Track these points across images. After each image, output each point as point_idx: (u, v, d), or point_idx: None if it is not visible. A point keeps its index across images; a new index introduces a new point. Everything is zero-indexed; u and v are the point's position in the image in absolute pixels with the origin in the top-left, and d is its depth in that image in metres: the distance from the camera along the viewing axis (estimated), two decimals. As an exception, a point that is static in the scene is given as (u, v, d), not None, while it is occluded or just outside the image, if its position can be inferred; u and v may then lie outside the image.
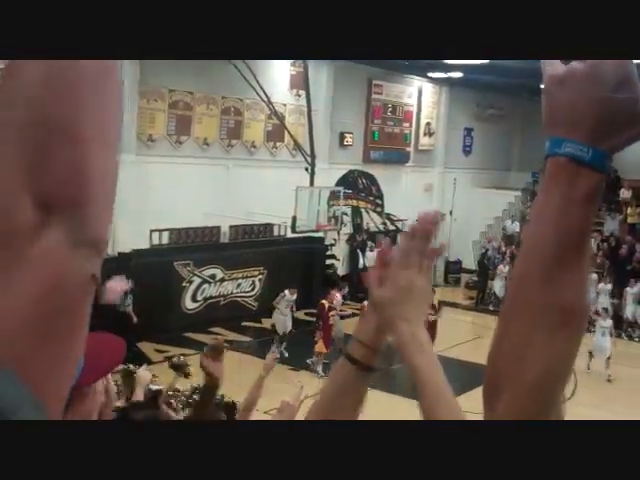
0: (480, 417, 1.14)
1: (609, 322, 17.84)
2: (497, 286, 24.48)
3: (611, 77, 0.98)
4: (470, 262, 27.48)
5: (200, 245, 19.75)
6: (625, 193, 27.49)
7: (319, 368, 16.04)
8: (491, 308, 24.23)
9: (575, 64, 1.02)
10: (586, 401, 14.02)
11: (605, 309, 18.93)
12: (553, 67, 1.04)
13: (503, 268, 24.42)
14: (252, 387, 5.21)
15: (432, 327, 15.98)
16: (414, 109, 26.70)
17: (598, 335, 17.25)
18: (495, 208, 28.09)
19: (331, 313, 16.46)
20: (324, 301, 16.77)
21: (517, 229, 27.31)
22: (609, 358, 17.20)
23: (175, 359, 6.92)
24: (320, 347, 16.20)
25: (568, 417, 1.20)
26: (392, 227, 26.14)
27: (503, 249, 25.94)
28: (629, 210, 26.59)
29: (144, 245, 18.35)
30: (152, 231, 18.56)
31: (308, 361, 16.47)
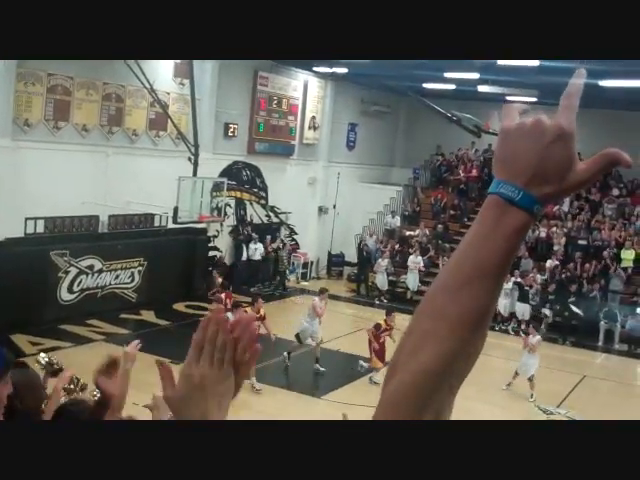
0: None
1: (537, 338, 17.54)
2: (379, 280, 24.91)
3: (551, 134, 1.14)
4: (352, 255, 27.83)
5: (78, 234, 19.11)
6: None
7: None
8: (376, 302, 24.67)
9: (525, 119, 1.17)
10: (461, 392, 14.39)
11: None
12: (507, 119, 1.19)
13: (382, 262, 24.87)
14: (119, 381, 4.97)
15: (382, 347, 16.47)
16: (300, 102, 26.72)
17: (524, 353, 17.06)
18: (377, 203, 28.54)
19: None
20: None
21: (398, 224, 27.86)
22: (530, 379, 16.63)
23: (42, 359, 6.58)
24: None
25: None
26: (276, 219, 26.13)
27: (384, 244, 26.41)
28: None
29: (18, 233, 17.59)
30: (27, 219, 17.81)
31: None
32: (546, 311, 22.71)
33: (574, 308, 22.39)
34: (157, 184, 19.49)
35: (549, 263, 23.98)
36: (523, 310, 22.75)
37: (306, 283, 26.31)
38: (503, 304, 22.64)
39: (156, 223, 21.06)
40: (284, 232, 26.48)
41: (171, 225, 19.89)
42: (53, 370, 6.42)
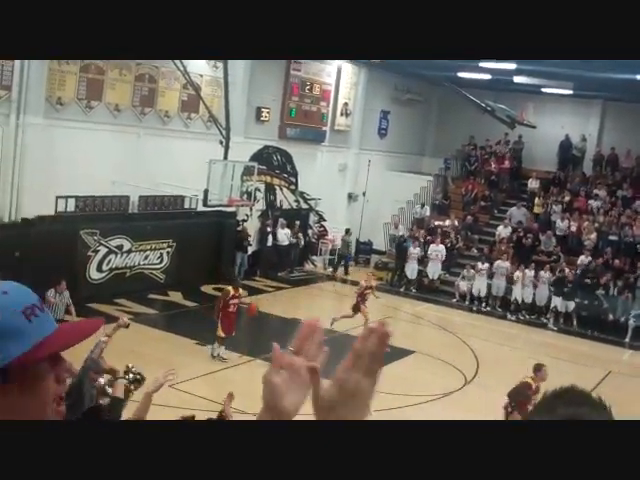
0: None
1: None
2: (409, 268, 24.85)
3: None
4: (380, 243, 27.77)
5: (108, 214, 19.27)
6: (533, 183, 28.25)
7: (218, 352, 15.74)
8: (402, 290, 24.64)
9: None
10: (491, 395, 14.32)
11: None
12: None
13: (413, 250, 24.80)
14: (140, 406, 5.03)
15: None
16: (332, 88, 26.63)
17: None
18: (407, 192, 28.42)
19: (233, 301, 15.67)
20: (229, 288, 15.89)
21: (427, 214, 27.71)
22: None
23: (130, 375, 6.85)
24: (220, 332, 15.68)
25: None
26: (305, 205, 26.13)
27: (414, 233, 26.31)
28: (536, 200, 27.33)
29: (50, 211, 17.77)
30: (58, 197, 17.98)
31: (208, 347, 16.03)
32: (557, 302, 22.54)
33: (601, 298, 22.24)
34: (188, 166, 19.57)
35: (581, 259, 23.73)
36: (559, 303, 22.67)
37: (332, 270, 26.31)
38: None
39: (186, 205, 21.17)
40: (313, 218, 26.47)
41: (201, 208, 19.96)
42: (137, 381, 6.54)
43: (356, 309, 18.64)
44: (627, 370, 19.23)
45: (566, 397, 1.36)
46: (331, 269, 26.15)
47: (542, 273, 23.16)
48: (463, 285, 23.93)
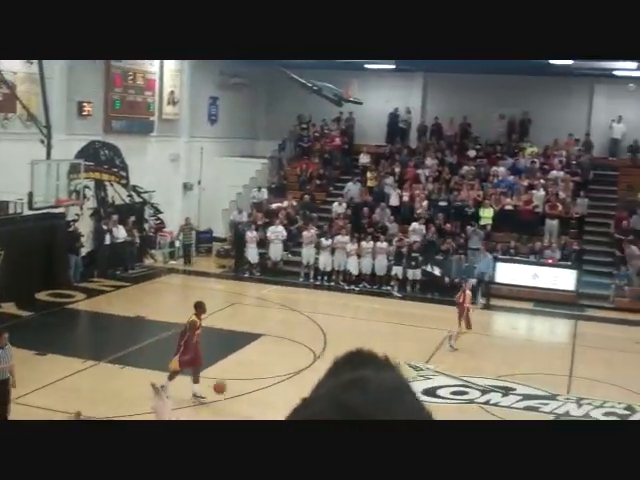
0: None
1: None
2: (249, 253, 24.81)
3: None
4: (220, 231, 27.58)
5: None
6: (364, 158, 28.95)
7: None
8: (246, 275, 24.59)
9: None
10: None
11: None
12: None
13: (251, 235, 24.80)
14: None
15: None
16: (157, 77, 26.04)
17: None
18: (243, 176, 28.36)
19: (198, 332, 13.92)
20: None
21: (265, 196, 27.76)
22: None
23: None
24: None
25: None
26: (139, 199, 25.47)
27: (252, 217, 26.31)
28: (369, 174, 28.03)
29: None
30: None
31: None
32: (398, 271, 23.33)
33: (429, 269, 23.20)
34: (9, 169, 18.51)
35: (413, 226, 24.62)
36: (399, 271, 23.40)
37: (174, 262, 25.87)
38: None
39: (11, 210, 20.05)
40: (148, 212, 25.85)
41: (27, 212, 19.02)
42: None
43: (467, 321, 17.95)
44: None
45: (352, 360, 1.31)
46: (174, 262, 25.75)
47: (379, 244, 23.84)
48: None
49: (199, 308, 13.99)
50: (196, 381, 13.69)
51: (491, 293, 22.81)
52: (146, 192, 25.38)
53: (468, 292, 18.07)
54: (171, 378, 13.36)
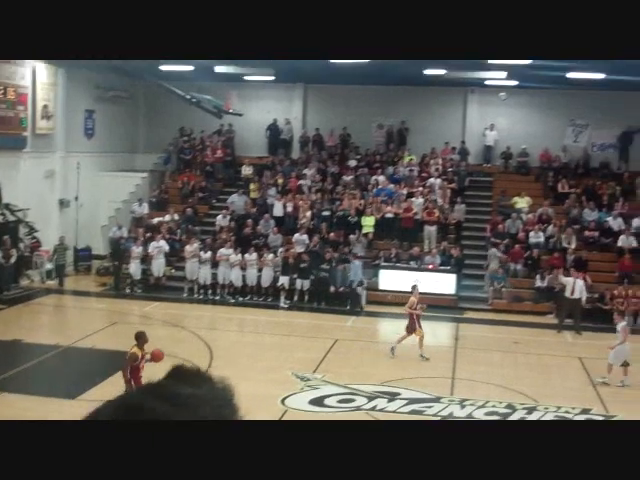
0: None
1: None
2: (132, 269, 24.21)
3: None
4: (100, 248, 26.79)
5: None
6: (246, 170, 28.85)
7: None
8: (127, 291, 23.98)
9: None
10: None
11: None
12: None
13: (135, 250, 24.23)
14: None
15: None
16: (29, 91, 25.10)
17: None
18: (123, 191, 27.72)
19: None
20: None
21: (145, 211, 27.19)
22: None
23: None
24: None
25: None
26: (13, 218, 24.40)
27: (134, 232, 25.71)
28: (251, 186, 27.96)
29: None
30: None
31: None
32: (284, 281, 23.34)
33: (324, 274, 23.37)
34: None
35: (296, 237, 24.70)
36: (286, 282, 23.35)
37: (52, 282, 24.90)
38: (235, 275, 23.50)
39: None
40: (23, 230, 24.79)
41: None
42: None
43: (411, 329, 17.83)
44: (351, 335, 20.39)
45: (171, 375, 1.37)
46: (52, 282, 24.80)
47: (265, 256, 23.79)
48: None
49: (140, 339, 12.86)
50: None
51: (375, 300, 23.17)
52: (20, 210, 24.35)
53: (413, 299, 18.13)
54: None
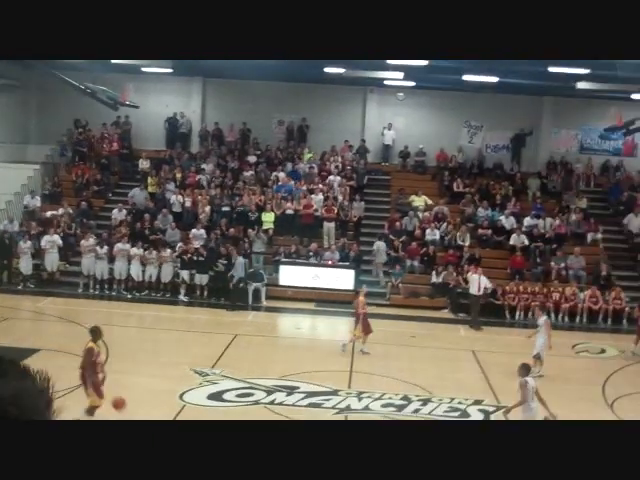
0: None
1: None
2: (22, 264, 23.35)
3: None
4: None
5: None
6: (144, 164, 28.31)
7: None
8: (20, 287, 23.12)
9: None
10: (116, 368, 14.11)
11: None
12: None
13: (24, 245, 23.39)
14: None
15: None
16: None
17: None
18: (13, 183, 26.69)
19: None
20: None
21: (38, 204, 26.29)
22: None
23: None
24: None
25: None
26: None
27: (25, 226, 24.82)
28: (150, 180, 27.45)
29: None
30: None
31: None
32: (184, 275, 23.09)
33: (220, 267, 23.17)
34: None
35: (193, 232, 24.43)
36: (186, 276, 23.14)
37: None
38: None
39: None
40: None
41: None
42: None
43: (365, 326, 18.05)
44: (251, 330, 20.36)
45: None
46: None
47: (163, 252, 23.42)
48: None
49: (95, 334, 12.50)
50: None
51: (275, 295, 23.22)
52: None
53: (361, 298, 18.31)
54: (91, 413, 11.97)
